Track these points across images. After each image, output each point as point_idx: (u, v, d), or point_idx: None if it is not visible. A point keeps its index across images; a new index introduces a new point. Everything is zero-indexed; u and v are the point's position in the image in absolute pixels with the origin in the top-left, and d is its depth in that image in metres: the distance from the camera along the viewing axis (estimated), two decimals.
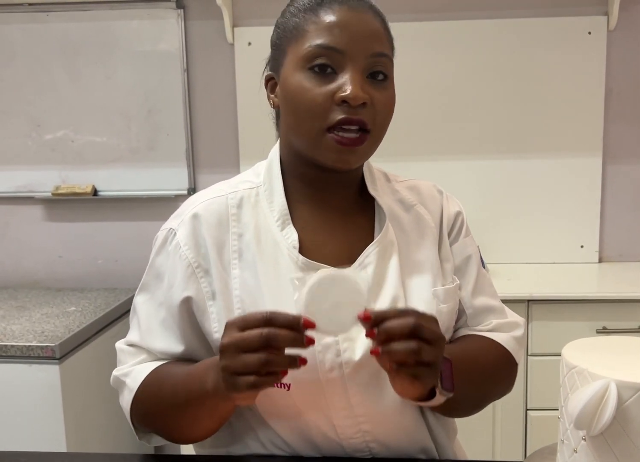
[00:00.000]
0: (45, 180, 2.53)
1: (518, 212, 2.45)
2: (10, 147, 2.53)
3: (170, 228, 1.00)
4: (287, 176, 1.01)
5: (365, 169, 1.04)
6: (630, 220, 2.45)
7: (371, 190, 1.03)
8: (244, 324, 0.79)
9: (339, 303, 0.78)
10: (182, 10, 2.42)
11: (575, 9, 2.35)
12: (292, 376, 0.80)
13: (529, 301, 2.05)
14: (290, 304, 0.93)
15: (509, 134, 2.41)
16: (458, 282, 1.04)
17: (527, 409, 2.10)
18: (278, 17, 1.00)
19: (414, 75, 2.38)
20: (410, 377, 0.80)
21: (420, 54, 2.39)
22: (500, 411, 2.09)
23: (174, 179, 2.50)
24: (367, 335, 0.79)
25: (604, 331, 2.02)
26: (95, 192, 2.51)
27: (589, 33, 2.33)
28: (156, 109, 2.47)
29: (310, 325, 0.77)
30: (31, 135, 2.52)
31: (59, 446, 1.87)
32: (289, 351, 0.78)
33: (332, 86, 0.90)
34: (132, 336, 1.03)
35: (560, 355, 0.82)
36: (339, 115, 0.89)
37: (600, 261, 2.47)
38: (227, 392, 0.80)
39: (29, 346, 1.85)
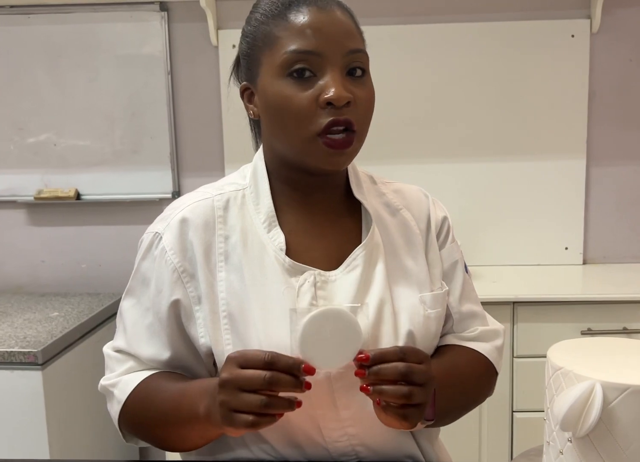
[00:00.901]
0: (27, 184, 2.51)
1: (502, 215, 2.46)
2: None
3: (156, 232, 0.99)
4: (273, 180, 1.01)
5: (350, 171, 1.04)
6: (613, 222, 2.47)
7: (356, 193, 1.03)
8: (245, 361, 0.80)
9: (334, 340, 0.80)
10: (165, 12, 2.41)
11: (558, 12, 2.36)
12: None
13: (514, 303, 2.06)
14: (275, 307, 0.93)
15: (493, 136, 2.42)
16: (447, 288, 1.04)
17: (513, 411, 2.10)
18: (243, 25, 0.98)
19: (398, 78, 2.38)
20: (399, 416, 0.82)
21: (404, 57, 2.39)
22: (487, 413, 2.09)
23: (158, 183, 2.48)
24: (356, 374, 0.81)
25: (589, 332, 2.03)
26: (78, 196, 2.49)
27: (572, 36, 2.35)
28: (140, 112, 2.46)
29: (311, 372, 0.79)
30: (13, 139, 2.49)
31: (42, 453, 1.85)
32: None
33: (314, 90, 0.89)
34: (119, 341, 1.02)
35: (545, 357, 0.82)
36: (327, 119, 0.89)
37: (584, 262, 2.48)
38: (222, 425, 0.82)
39: (11, 351, 1.83)
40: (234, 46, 2.37)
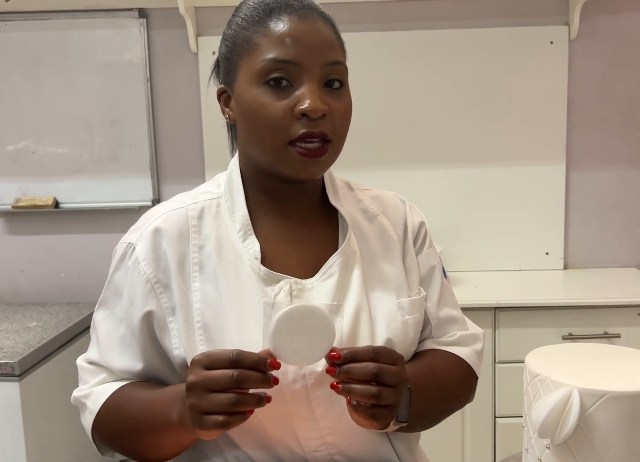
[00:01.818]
0: (5, 192, 2.48)
1: (483, 220, 2.46)
2: None
3: (129, 242, 0.98)
4: (248, 188, 1.00)
5: (326, 178, 1.03)
6: (594, 227, 2.48)
7: (332, 200, 1.02)
8: (210, 362, 0.79)
9: (307, 337, 0.79)
10: (144, 19, 2.40)
11: (537, 19, 2.38)
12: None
13: (495, 308, 2.06)
14: (251, 317, 0.92)
15: (473, 143, 2.43)
16: (424, 293, 1.04)
17: (495, 417, 2.10)
18: (224, 28, 0.98)
19: (377, 84, 2.38)
20: (368, 416, 0.81)
21: (383, 64, 2.39)
22: (469, 419, 2.09)
23: (137, 190, 2.46)
24: (327, 371, 0.80)
25: (570, 337, 2.03)
26: (56, 204, 2.46)
27: (551, 43, 2.37)
28: (119, 119, 2.44)
29: (276, 366, 0.78)
30: None
31: None
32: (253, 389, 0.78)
33: (290, 100, 0.89)
34: (92, 353, 1.01)
35: (525, 359, 0.82)
36: (300, 130, 0.88)
37: (565, 267, 2.49)
38: (194, 429, 0.80)
39: None
40: (213, 53, 2.36)
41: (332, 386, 0.81)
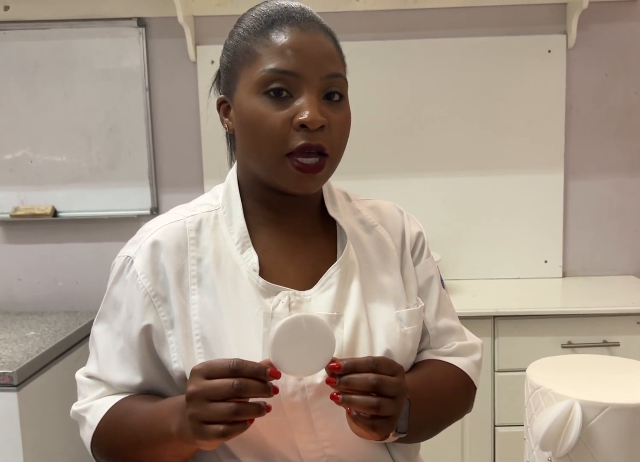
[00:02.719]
0: (3, 201, 2.48)
1: (482, 229, 2.46)
2: None
3: (128, 256, 0.97)
4: (246, 199, 1.00)
5: (324, 189, 1.03)
6: (592, 235, 2.48)
7: (331, 211, 1.02)
8: (210, 372, 0.78)
9: (307, 347, 0.79)
10: (143, 28, 2.40)
11: (534, 28, 2.39)
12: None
13: (494, 317, 2.06)
14: (250, 329, 0.92)
15: (471, 151, 2.43)
16: (422, 304, 1.03)
17: (495, 426, 2.10)
18: (226, 38, 0.98)
19: (374, 94, 2.39)
20: (367, 427, 0.81)
21: (380, 73, 2.40)
22: (468, 428, 2.08)
23: (136, 199, 2.46)
24: (327, 382, 0.80)
25: (569, 346, 2.03)
26: (55, 213, 2.46)
27: (549, 51, 2.37)
28: (117, 127, 2.44)
29: (276, 375, 0.78)
30: None
31: None
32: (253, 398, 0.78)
33: (289, 110, 0.89)
34: (91, 367, 1.00)
35: (526, 370, 0.82)
36: (299, 141, 0.88)
37: (564, 275, 2.49)
38: (194, 439, 0.80)
39: None
40: (212, 62, 2.36)
41: (332, 397, 0.80)
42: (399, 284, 1.01)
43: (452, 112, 2.42)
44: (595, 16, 2.36)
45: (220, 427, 0.76)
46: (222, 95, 0.98)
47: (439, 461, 1.99)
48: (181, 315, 0.93)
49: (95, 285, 2.47)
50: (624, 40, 2.39)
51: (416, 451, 1.08)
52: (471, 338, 1.10)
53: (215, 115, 1.00)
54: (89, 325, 2.22)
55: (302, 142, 0.88)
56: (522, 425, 0.83)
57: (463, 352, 1.06)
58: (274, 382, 0.79)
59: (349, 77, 0.96)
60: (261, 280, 0.94)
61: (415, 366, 1.04)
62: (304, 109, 0.88)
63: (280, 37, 0.90)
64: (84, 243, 2.50)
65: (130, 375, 0.96)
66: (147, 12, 2.40)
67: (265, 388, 0.77)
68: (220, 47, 1.01)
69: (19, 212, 2.44)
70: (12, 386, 1.80)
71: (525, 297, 2.26)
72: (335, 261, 0.98)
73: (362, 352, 0.93)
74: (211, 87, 1.05)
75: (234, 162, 1.04)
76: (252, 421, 0.78)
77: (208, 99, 1.04)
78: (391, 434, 0.86)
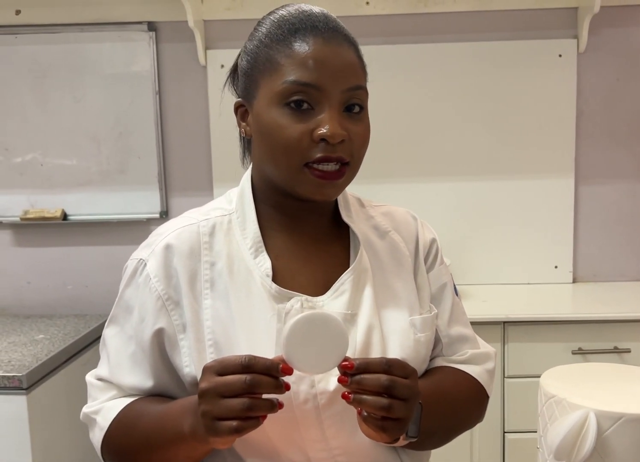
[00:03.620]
0: (13, 204, 2.48)
1: (492, 234, 2.45)
2: None
3: (140, 259, 0.97)
4: (260, 204, 1.00)
5: (339, 195, 1.03)
6: (603, 240, 2.47)
7: (345, 217, 1.02)
8: (222, 368, 0.78)
9: (320, 344, 0.78)
10: (154, 32, 2.41)
11: (545, 32, 2.38)
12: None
13: (504, 322, 2.05)
14: (262, 334, 0.91)
15: (482, 156, 2.42)
16: (436, 311, 1.03)
17: (504, 432, 2.09)
18: (246, 40, 0.98)
19: (384, 98, 2.38)
20: (377, 428, 0.80)
21: (392, 77, 2.39)
22: (478, 434, 2.07)
23: (145, 203, 2.46)
24: (339, 380, 0.79)
25: (580, 352, 2.02)
26: (64, 216, 2.47)
27: (560, 56, 2.36)
28: (127, 131, 2.44)
29: (289, 371, 0.78)
30: None
31: None
32: (265, 394, 0.78)
33: (310, 123, 0.88)
34: (102, 370, 1.00)
35: (536, 377, 0.81)
36: (318, 154, 0.88)
37: (574, 281, 2.48)
38: (206, 437, 0.79)
39: None
40: (222, 66, 2.36)
41: (343, 396, 0.80)
42: (412, 290, 1.01)
43: (462, 117, 2.41)
44: (606, 20, 2.35)
45: (234, 423, 0.76)
46: (240, 99, 0.98)
47: None
48: (193, 319, 0.93)
49: (104, 288, 2.48)
50: (636, 44, 2.38)
51: (427, 458, 1.07)
52: (484, 347, 1.09)
53: (226, 117, 0.99)
54: (98, 328, 2.23)
55: (321, 155, 0.88)
56: (532, 432, 0.82)
57: (476, 360, 1.05)
58: (286, 378, 0.78)
59: None
60: (274, 285, 0.93)
61: (427, 372, 1.03)
62: (325, 122, 0.87)
63: (303, 48, 0.89)
64: (94, 247, 2.51)
65: (141, 379, 0.96)
66: (158, 17, 2.40)
67: (277, 384, 0.77)
68: (231, 51, 1.00)
69: (28, 216, 2.45)
70: (22, 389, 1.80)
71: (535, 302, 2.25)
72: (348, 267, 0.98)
73: None
74: (224, 86, 1.03)
75: (248, 164, 1.04)
76: (264, 417, 0.78)
77: (222, 95, 1.03)
78: (401, 437, 0.86)
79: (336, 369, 0.80)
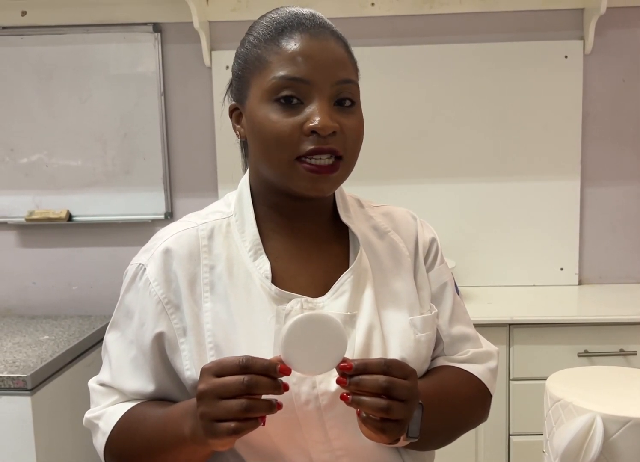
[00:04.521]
0: (18, 205, 2.49)
1: (497, 235, 2.45)
2: None
3: (140, 263, 0.97)
4: (259, 205, 1.00)
5: (337, 195, 1.03)
6: (608, 242, 2.46)
7: (343, 217, 1.01)
8: (220, 370, 0.78)
9: (319, 345, 0.78)
10: (159, 34, 2.41)
11: (551, 34, 2.37)
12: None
13: (509, 324, 2.04)
14: (262, 336, 0.91)
15: (487, 157, 2.42)
16: (436, 310, 1.02)
17: (509, 435, 2.08)
18: (237, 46, 0.98)
19: (389, 99, 2.38)
20: (376, 429, 0.80)
21: (396, 78, 2.39)
22: (483, 437, 2.07)
23: (150, 204, 2.46)
24: (337, 381, 0.79)
25: (586, 355, 2.01)
26: (70, 217, 2.47)
27: (566, 57, 2.36)
28: (132, 132, 2.45)
29: (287, 372, 0.77)
30: (4, 159, 2.48)
31: None
32: (264, 395, 0.77)
33: (300, 117, 0.88)
34: (104, 375, 1.00)
35: (542, 379, 0.81)
36: (309, 146, 0.88)
37: (580, 283, 2.47)
38: (206, 439, 0.79)
39: (0, 376, 1.80)
40: (227, 67, 2.37)
41: (342, 397, 0.80)
42: (412, 290, 1.01)
43: (467, 118, 2.40)
44: (612, 22, 2.34)
45: (232, 424, 0.76)
46: (233, 103, 0.98)
47: None
48: (194, 323, 0.93)
49: (109, 289, 2.48)
50: None
51: (430, 459, 1.07)
52: (487, 345, 1.09)
53: (229, 123, 0.99)
54: (103, 329, 2.22)
55: (312, 147, 0.88)
56: (538, 434, 0.82)
57: (478, 359, 1.05)
58: (290, 384, 0.78)
59: (363, 83, 0.95)
60: (274, 287, 0.93)
61: (429, 372, 1.03)
62: (315, 115, 0.88)
63: (291, 44, 0.90)
64: (99, 247, 2.51)
65: (143, 383, 0.96)
66: (163, 18, 2.40)
67: (275, 385, 0.77)
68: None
69: (34, 216, 2.45)
70: (26, 390, 1.80)
71: (540, 304, 2.24)
72: (347, 267, 0.98)
73: None
74: (225, 95, 1.04)
75: (247, 168, 1.04)
76: (263, 418, 0.78)
77: (222, 107, 1.04)
78: (402, 438, 0.85)
79: (337, 370, 0.79)
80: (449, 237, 2.30)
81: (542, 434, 0.83)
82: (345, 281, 0.96)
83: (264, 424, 0.87)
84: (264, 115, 0.90)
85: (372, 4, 2.37)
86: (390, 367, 0.79)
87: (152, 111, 2.43)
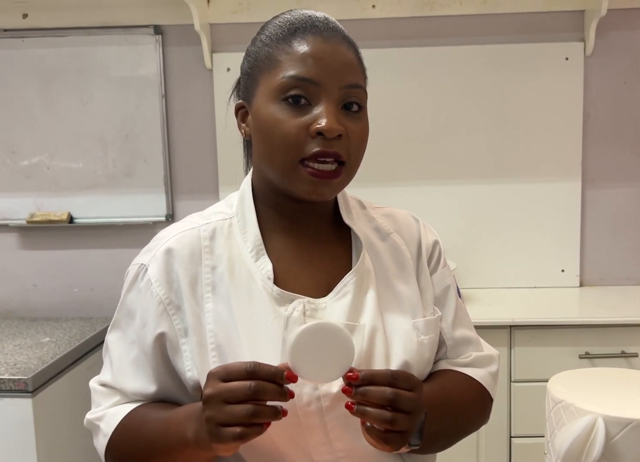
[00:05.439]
0: (19, 207, 2.49)
1: (498, 237, 2.45)
2: None
3: (142, 264, 0.97)
4: (261, 206, 1.00)
5: (339, 197, 1.03)
6: (610, 244, 2.46)
7: (346, 219, 1.01)
8: (227, 375, 0.78)
9: (326, 354, 0.78)
10: (160, 36, 2.41)
11: (552, 35, 2.38)
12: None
13: (510, 326, 2.04)
14: (264, 337, 0.91)
15: (488, 159, 2.42)
16: (439, 313, 1.02)
17: (511, 437, 2.08)
18: (248, 45, 0.98)
19: (390, 101, 2.38)
20: (380, 440, 0.80)
21: (397, 80, 2.39)
22: (484, 439, 2.06)
23: (151, 206, 2.47)
24: (343, 391, 0.79)
25: (587, 357, 2.00)
26: (71, 219, 2.47)
27: (567, 59, 2.36)
28: (133, 134, 2.45)
29: (293, 379, 0.78)
30: (5, 162, 2.48)
31: None
32: (269, 401, 0.78)
33: (307, 118, 0.88)
34: (105, 375, 1.00)
35: (543, 381, 0.81)
36: (314, 148, 0.88)
37: (581, 285, 2.46)
38: (210, 443, 0.79)
39: (1, 379, 1.80)
40: (228, 69, 2.37)
41: (347, 406, 0.80)
42: (415, 292, 1.01)
43: (468, 120, 2.40)
44: (613, 23, 2.34)
45: (237, 429, 0.76)
46: (240, 101, 0.98)
47: None
48: (195, 323, 0.93)
49: (110, 291, 2.48)
50: None
51: (432, 461, 1.07)
52: (488, 349, 1.09)
53: (233, 123, 0.99)
54: (104, 331, 2.21)
55: (317, 149, 0.88)
56: (539, 436, 0.82)
57: (480, 363, 1.05)
58: (290, 386, 0.78)
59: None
60: (275, 288, 0.93)
61: (430, 376, 1.03)
62: (322, 117, 0.88)
63: (302, 45, 0.90)
64: (100, 249, 2.51)
65: (144, 383, 0.96)
66: (164, 20, 2.41)
67: (281, 391, 0.77)
68: (237, 55, 1.01)
69: (35, 219, 2.46)
70: (27, 392, 1.80)
71: (542, 306, 2.24)
72: (350, 268, 0.98)
73: (379, 361, 0.92)
74: (231, 95, 1.04)
75: (250, 169, 1.04)
76: (268, 424, 0.78)
77: (227, 107, 1.04)
78: (404, 446, 0.85)
79: (343, 379, 0.80)
80: (450, 238, 2.30)
81: (543, 436, 0.83)
82: (348, 281, 0.96)
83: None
84: (270, 114, 0.90)
85: (373, 6, 2.37)
86: (396, 379, 0.80)
87: (153, 113, 2.43)
